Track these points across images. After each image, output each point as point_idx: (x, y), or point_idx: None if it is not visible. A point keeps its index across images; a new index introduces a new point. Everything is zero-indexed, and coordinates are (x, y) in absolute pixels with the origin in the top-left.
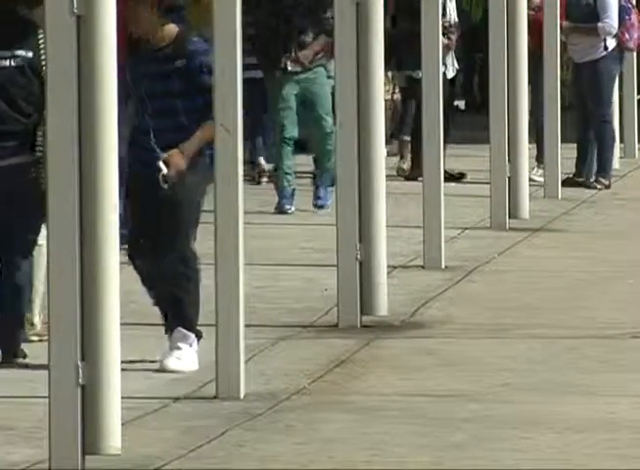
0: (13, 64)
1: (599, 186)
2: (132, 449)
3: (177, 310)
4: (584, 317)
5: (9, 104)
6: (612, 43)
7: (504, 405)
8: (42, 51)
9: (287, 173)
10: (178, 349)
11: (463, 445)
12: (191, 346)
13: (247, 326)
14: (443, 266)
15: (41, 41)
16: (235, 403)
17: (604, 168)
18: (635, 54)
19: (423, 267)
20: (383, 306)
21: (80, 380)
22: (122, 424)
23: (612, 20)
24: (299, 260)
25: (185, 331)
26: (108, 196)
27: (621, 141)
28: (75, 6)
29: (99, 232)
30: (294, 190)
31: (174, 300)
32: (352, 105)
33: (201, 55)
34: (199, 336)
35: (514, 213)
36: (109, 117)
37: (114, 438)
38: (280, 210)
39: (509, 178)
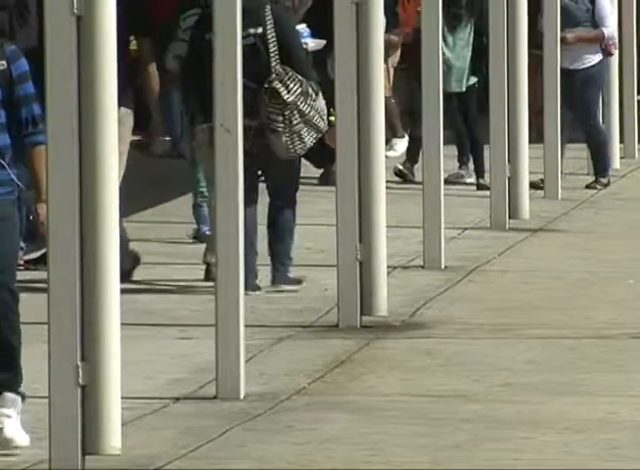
0: (247, 42)
1: (599, 186)
2: (132, 449)
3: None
4: (584, 317)
5: (244, 75)
6: (599, 50)
7: (504, 405)
8: (269, 25)
9: (205, 196)
10: (8, 417)
11: (463, 445)
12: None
13: (247, 326)
14: (443, 266)
15: (267, 16)
16: (235, 404)
17: (603, 168)
18: (635, 54)
19: (423, 267)
20: (383, 307)
21: (80, 380)
22: (122, 424)
23: (614, 24)
24: (300, 260)
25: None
26: (108, 195)
27: (621, 141)
28: (75, 6)
29: (99, 232)
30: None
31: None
32: (352, 105)
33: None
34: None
35: (514, 214)
36: (109, 116)
37: (114, 438)
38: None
39: (509, 178)
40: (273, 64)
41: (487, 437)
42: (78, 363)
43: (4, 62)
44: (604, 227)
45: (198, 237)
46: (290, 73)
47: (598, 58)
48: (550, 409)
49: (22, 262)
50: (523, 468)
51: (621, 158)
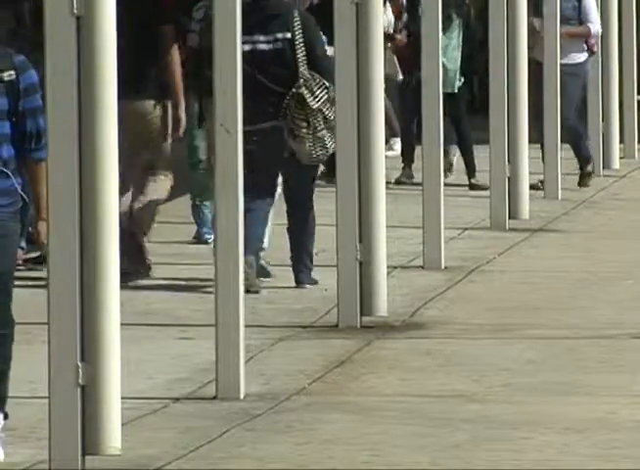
0: (275, 47)
1: (589, 184)
2: (132, 449)
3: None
4: (584, 317)
5: (270, 78)
6: (585, 49)
7: (504, 405)
8: (297, 31)
9: (204, 200)
10: None
11: (463, 445)
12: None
13: (247, 326)
14: (443, 267)
15: (296, 22)
16: (235, 404)
17: (585, 159)
18: (635, 54)
19: (423, 268)
20: (383, 307)
21: (80, 380)
22: (122, 424)
23: (598, 21)
24: None
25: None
26: (107, 195)
27: (621, 141)
28: (75, 6)
29: (99, 231)
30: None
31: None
32: (352, 105)
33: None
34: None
35: (514, 214)
36: (109, 116)
37: (114, 438)
38: (199, 239)
39: (509, 178)
40: (301, 69)
41: (487, 437)
42: (78, 363)
43: (12, 72)
44: (604, 227)
45: (198, 238)
46: (317, 80)
47: (584, 57)
48: (550, 409)
49: (21, 262)
50: (523, 468)
51: (621, 158)
